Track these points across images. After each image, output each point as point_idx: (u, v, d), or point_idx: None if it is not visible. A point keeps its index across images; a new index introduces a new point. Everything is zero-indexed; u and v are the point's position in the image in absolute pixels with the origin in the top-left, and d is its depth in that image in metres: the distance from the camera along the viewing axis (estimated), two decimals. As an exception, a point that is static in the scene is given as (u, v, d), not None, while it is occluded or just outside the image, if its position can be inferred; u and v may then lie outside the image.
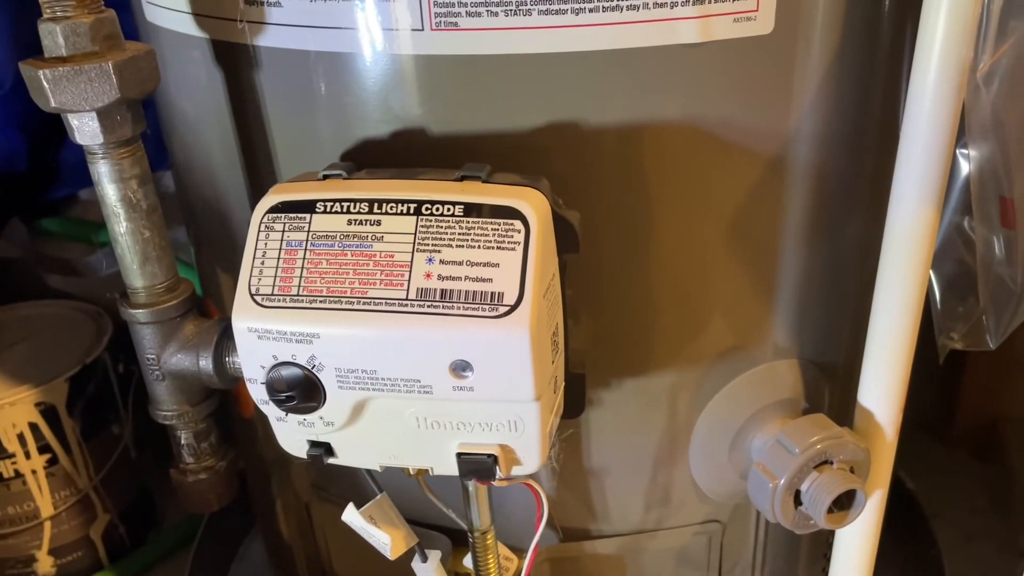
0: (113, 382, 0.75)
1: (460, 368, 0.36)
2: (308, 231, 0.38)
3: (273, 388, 0.38)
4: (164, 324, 0.43)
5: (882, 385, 0.47)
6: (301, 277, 0.37)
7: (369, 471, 0.44)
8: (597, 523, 0.52)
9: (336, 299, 0.37)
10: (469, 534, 0.47)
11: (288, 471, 0.58)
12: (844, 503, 0.46)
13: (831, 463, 0.46)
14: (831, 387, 0.52)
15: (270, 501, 0.62)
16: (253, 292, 0.38)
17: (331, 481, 0.56)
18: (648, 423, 0.49)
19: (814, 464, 0.46)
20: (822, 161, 0.45)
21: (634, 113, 0.41)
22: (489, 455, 0.38)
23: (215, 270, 0.56)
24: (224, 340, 0.44)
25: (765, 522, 0.55)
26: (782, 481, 0.46)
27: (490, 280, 0.36)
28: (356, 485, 0.49)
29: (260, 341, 0.37)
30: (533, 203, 0.37)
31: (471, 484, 0.44)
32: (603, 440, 0.49)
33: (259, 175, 0.48)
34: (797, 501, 0.46)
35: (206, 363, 0.43)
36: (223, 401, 0.49)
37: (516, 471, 0.39)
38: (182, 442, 0.46)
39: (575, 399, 0.44)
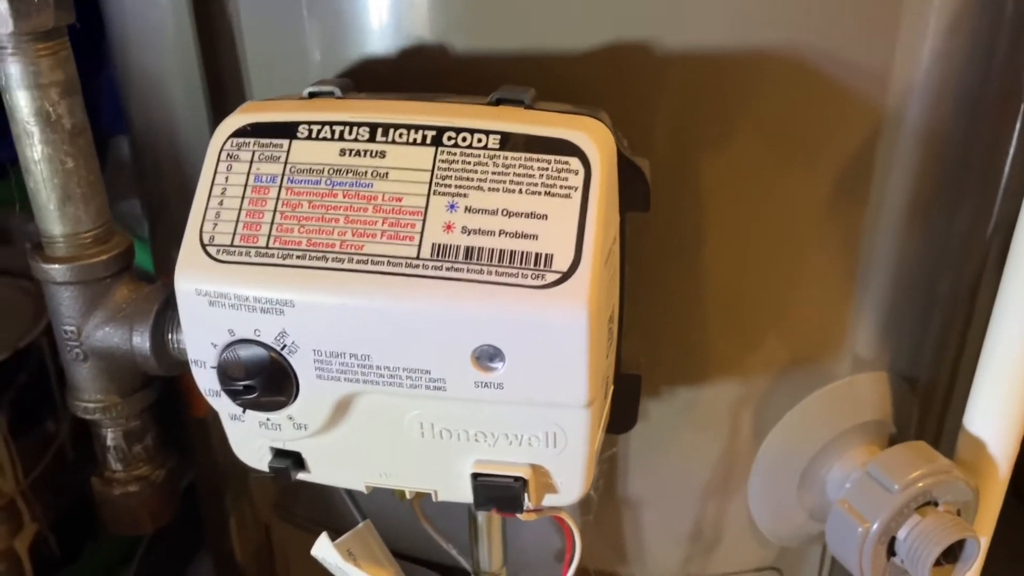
0: (51, 371, 0.69)
1: (487, 357, 0.29)
2: (285, 163, 0.31)
3: (227, 375, 0.30)
4: (89, 286, 0.36)
5: (998, 409, 0.41)
6: (273, 224, 0.30)
7: (350, 492, 0.38)
8: (629, 567, 0.46)
9: (320, 255, 0.29)
10: (473, 576, 0.39)
11: (246, 484, 0.53)
12: (946, 555, 0.40)
13: (935, 504, 0.40)
14: (921, 408, 0.46)
15: (223, 518, 0.57)
16: (206, 242, 0.30)
17: (298, 499, 0.50)
18: (701, 445, 0.44)
19: (916, 505, 0.39)
20: (939, 123, 0.39)
21: (725, 34, 0.34)
22: (516, 478, 0.31)
23: (172, 247, 0.48)
24: (167, 311, 0.36)
25: (829, 571, 0.49)
26: (875, 525, 0.39)
27: (535, 237, 0.28)
28: (330, 506, 0.45)
29: (212, 309, 0.30)
30: (596, 137, 0.30)
31: (482, 514, 0.37)
32: (644, 464, 0.43)
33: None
34: (890, 551, 0.40)
35: (141, 340, 0.36)
36: (168, 393, 0.43)
37: (550, 500, 0.32)
38: (108, 443, 0.39)
39: (626, 408, 0.37)
